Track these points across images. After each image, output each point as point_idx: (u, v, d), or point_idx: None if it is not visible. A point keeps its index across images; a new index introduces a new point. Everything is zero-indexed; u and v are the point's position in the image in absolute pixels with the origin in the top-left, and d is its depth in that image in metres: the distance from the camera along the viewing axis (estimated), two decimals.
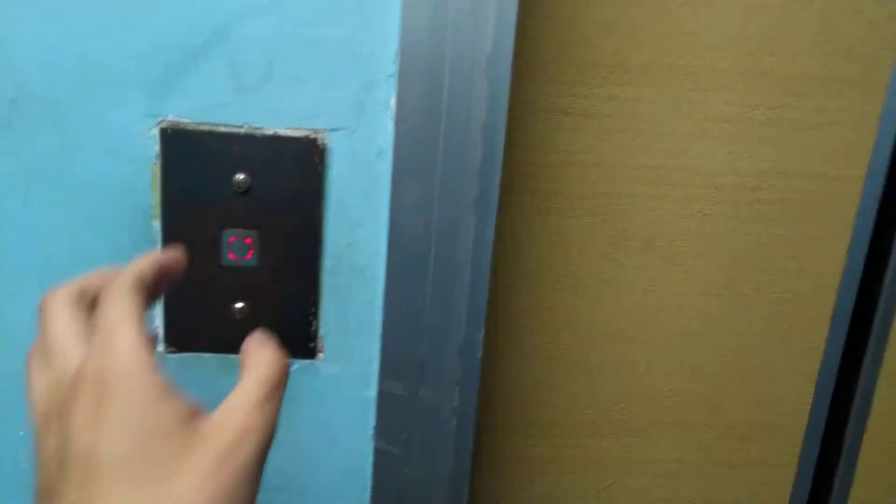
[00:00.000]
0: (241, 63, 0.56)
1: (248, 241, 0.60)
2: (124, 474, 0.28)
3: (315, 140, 0.58)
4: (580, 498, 0.83)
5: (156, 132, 0.57)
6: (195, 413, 0.31)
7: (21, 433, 0.62)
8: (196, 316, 0.61)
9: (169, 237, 0.59)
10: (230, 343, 0.62)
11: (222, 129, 0.57)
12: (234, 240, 0.60)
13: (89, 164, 0.57)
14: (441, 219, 0.58)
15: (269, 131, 0.58)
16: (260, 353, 0.34)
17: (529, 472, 0.82)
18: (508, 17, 0.55)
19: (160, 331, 0.61)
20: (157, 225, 0.59)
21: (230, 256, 0.60)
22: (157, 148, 0.58)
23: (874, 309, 0.74)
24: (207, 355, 0.62)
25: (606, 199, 0.73)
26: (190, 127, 0.57)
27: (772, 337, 0.79)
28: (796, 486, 0.83)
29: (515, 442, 0.81)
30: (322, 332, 0.62)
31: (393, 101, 0.57)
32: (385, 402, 0.62)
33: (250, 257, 0.60)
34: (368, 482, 0.64)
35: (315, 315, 0.61)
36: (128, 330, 0.31)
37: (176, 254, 0.41)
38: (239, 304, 0.61)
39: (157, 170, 0.58)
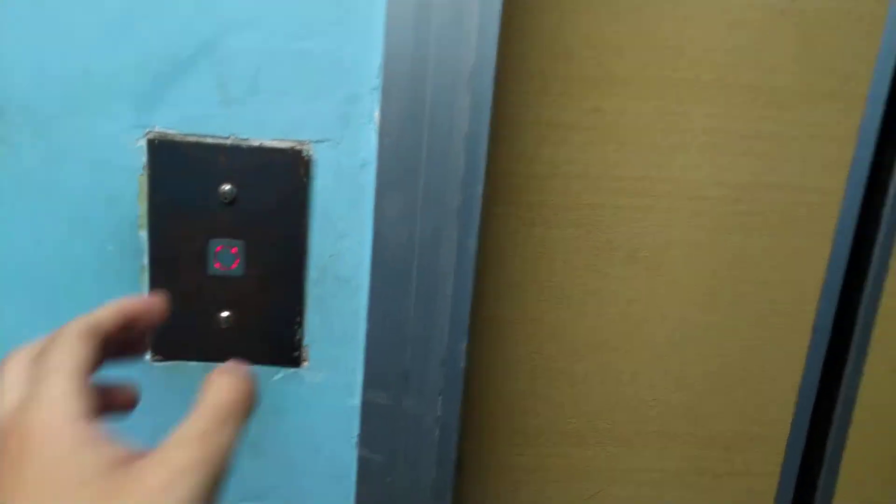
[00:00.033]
0: (227, 75, 0.57)
1: (234, 250, 0.60)
2: None
3: (300, 151, 0.59)
4: None
5: (143, 143, 0.58)
6: (129, 457, 0.29)
7: None
8: (182, 325, 0.61)
9: (156, 247, 0.60)
10: (216, 352, 0.62)
11: (209, 140, 0.58)
12: (220, 249, 0.60)
13: (77, 174, 0.58)
14: (424, 229, 0.59)
15: (255, 142, 0.59)
16: (218, 379, 0.32)
17: (514, 480, 0.82)
18: (490, 31, 0.56)
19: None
20: (143, 235, 0.60)
21: (216, 266, 0.61)
22: (144, 159, 0.58)
23: (854, 319, 0.75)
24: (193, 364, 0.62)
25: (591, 211, 0.74)
26: (177, 138, 0.58)
27: (754, 347, 0.79)
28: (779, 495, 0.84)
29: (500, 451, 0.81)
30: (307, 341, 0.62)
31: (377, 114, 0.57)
32: (369, 411, 0.62)
33: (236, 267, 0.61)
34: (352, 490, 0.65)
35: (300, 324, 0.62)
36: (60, 379, 0.30)
37: (155, 300, 0.39)
38: (225, 313, 0.61)
39: (145, 180, 0.59)
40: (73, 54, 0.55)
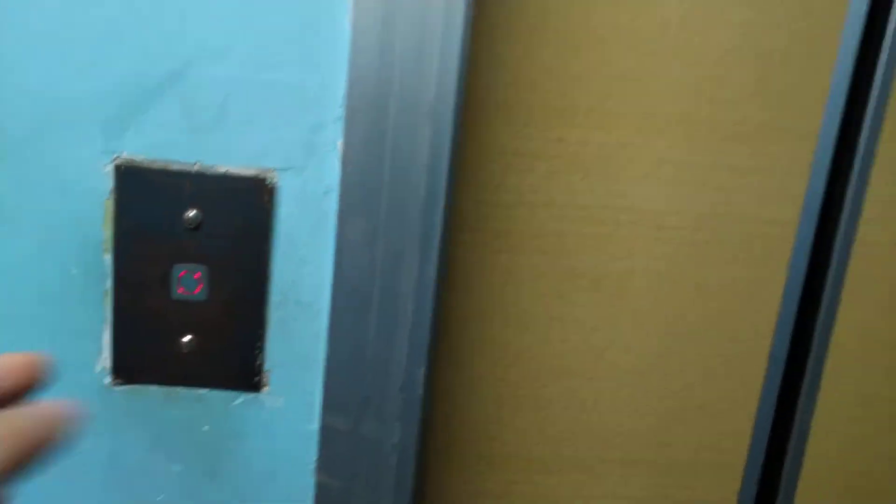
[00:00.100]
0: (195, 104, 0.58)
1: (198, 275, 0.61)
2: None
3: (265, 179, 0.60)
4: None
5: (111, 168, 0.59)
6: None
7: None
8: (145, 348, 0.62)
9: (120, 271, 0.61)
10: (177, 376, 0.63)
11: (175, 166, 0.59)
12: (184, 274, 0.61)
13: (44, 198, 0.59)
14: (385, 256, 0.60)
15: (221, 169, 0.60)
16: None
17: None
18: (451, 65, 0.57)
19: (108, 363, 0.62)
20: (108, 258, 0.60)
21: (180, 290, 0.61)
22: (111, 184, 0.59)
23: (809, 348, 0.77)
24: (154, 387, 0.63)
25: (555, 238, 0.76)
26: (144, 164, 0.59)
27: (714, 375, 0.81)
28: None
29: (465, 477, 0.82)
30: (267, 365, 0.63)
31: (340, 143, 0.59)
32: (327, 436, 0.63)
33: (199, 291, 0.61)
34: None
35: (261, 349, 0.62)
36: None
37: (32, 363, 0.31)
38: (187, 338, 0.62)
39: (111, 205, 0.60)
40: (43, 80, 0.56)
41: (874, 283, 0.79)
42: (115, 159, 0.59)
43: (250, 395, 0.63)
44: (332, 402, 0.62)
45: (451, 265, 0.75)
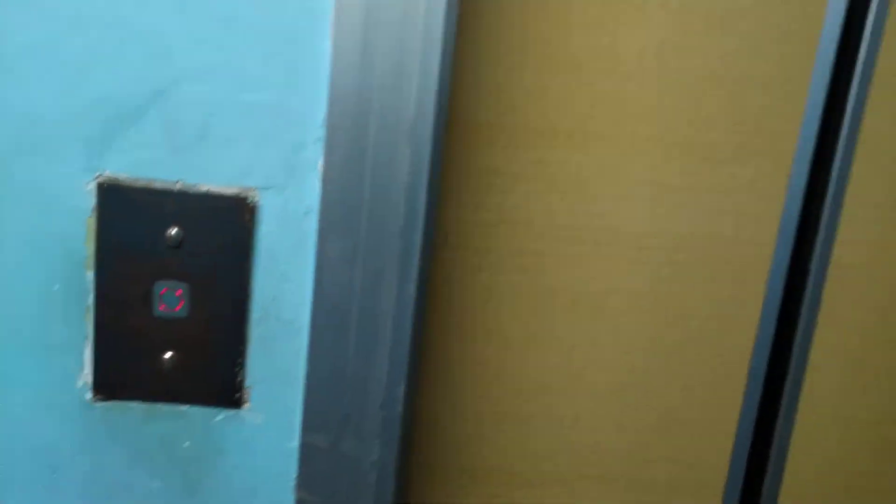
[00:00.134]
0: (177, 123, 0.59)
1: (179, 292, 0.62)
2: None
3: (246, 198, 0.60)
4: None
5: (93, 186, 0.60)
6: None
7: None
8: (126, 365, 0.62)
9: (102, 288, 0.61)
10: (158, 392, 0.63)
11: (157, 185, 0.60)
12: (165, 291, 0.62)
13: (27, 215, 0.59)
14: (364, 274, 0.61)
15: (203, 188, 0.60)
16: None
17: None
18: (430, 87, 0.58)
19: (89, 379, 0.62)
20: (90, 275, 0.61)
21: (161, 308, 0.62)
22: (93, 201, 0.60)
23: (787, 368, 0.78)
24: (135, 403, 0.63)
25: (535, 258, 0.77)
26: (126, 182, 0.60)
27: (693, 394, 0.82)
28: None
29: (447, 492, 0.82)
30: (248, 382, 0.63)
31: (320, 163, 0.60)
32: (307, 453, 0.63)
33: (181, 308, 0.62)
34: None
35: (242, 365, 0.63)
36: None
37: None
38: (168, 354, 0.62)
39: (93, 223, 0.60)
40: (28, 98, 0.57)
41: (851, 305, 0.80)
42: (97, 177, 0.59)
43: (231, 412, 0.63)
44: (312, 420, 0.62)
45: (432, 282, 0.76)
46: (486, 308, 0.77)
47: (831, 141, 0.73)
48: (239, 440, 0.64)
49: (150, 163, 0.59)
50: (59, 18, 0.56)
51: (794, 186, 0.75)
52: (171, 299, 0.62)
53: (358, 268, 0.61)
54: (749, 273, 0.78)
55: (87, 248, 0.60)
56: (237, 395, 0.63)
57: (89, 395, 0.62)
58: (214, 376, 0.63)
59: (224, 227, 0.61)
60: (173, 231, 0.60)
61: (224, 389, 0.63)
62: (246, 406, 0.63)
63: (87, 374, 0.62)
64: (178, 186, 0.60)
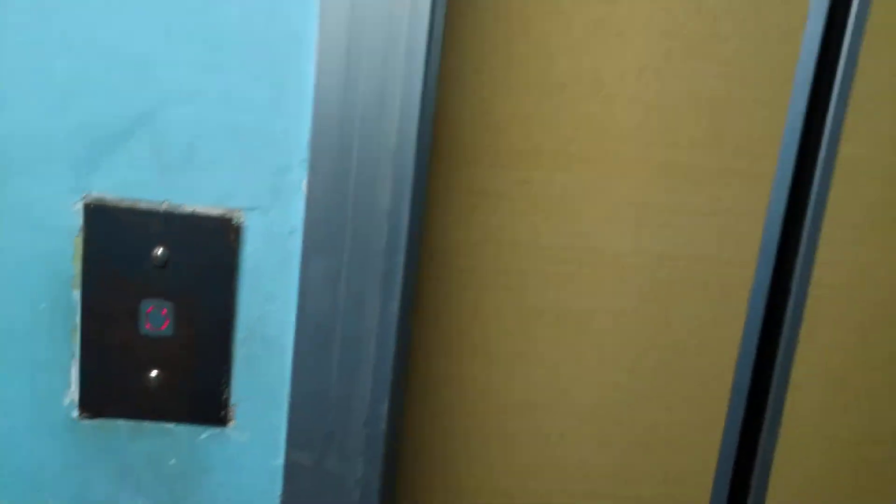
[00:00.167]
0: (164, 144, 0.60)
1: (165, 311, 0.62)
2: None
3: (231, 219, 0.61)
4: None
5: (80, 206, 0.60)
6: None
7: None
8: (112, 383, 0.63)
9: (88, 306, 0.62)
10: (144, 410, 0.64)
11: (143, 205, 0.61)
12: (151, 310, 0.62)
13: (14, 234, 0.60)
14: (348, 294, 0.61)
15: (189, 209, 0.61)
16: None
17: None
18: (413, 109, 0.59)
19: (76, 396, 0.63)
20: (77, 294, 0.61)
21: (147, 326, 0.62)
22: (80, 221, 0.61)
23: (769, 385, 0.79)
24: (121, 421, 0.64)
25: (519, 276, 0.77)
26: (113, 202, 0.61)
27: (677, 411, 0.82)
28: None
29: None
30: (233, 400, 0.64)
31: (304, 184, 0.60)
32: (292, 471, 0.63)
33: (166, 327, 0.63)
34: None
35: (227, 384, 0.63)
36: None
37: None
38: (154, 372, 0.63)
39: (80, 242, 0.61)
40: (15, 118, 0.58)
41: (831, 325, 0.81)
42: (84, 198, 0.60)
43: (216, 430, 0.64)
44: (297, 438, 0.63)
45: (418, 301, 0.77)
46: (471, 326, 0.78)
47: (810, 163, 0.75)
48: (224, 458, 0.64)
49: (136, 184, 0.60)
50: (47, 41, 0.57)
51: (774, 207, 0.76)
52: (156, 318, 0.62)
53: (342, 287, 0.61)
54: (731, 293, 0.79)
55: (73, 267, 0.61)
56: (222, 413, 0.64)
57: (76, 412, 0.63)
58: (200, 394, 0.63)
59: (209, 247, 0.61)
60: (159, 251, 0.61)
61: (209, 407, 0.63)
62: (231, 424, 0.64)
63: (73, 392, 0.63)
64: (163, 207, 0.61)
